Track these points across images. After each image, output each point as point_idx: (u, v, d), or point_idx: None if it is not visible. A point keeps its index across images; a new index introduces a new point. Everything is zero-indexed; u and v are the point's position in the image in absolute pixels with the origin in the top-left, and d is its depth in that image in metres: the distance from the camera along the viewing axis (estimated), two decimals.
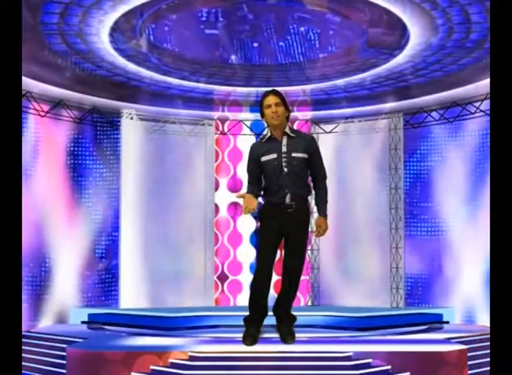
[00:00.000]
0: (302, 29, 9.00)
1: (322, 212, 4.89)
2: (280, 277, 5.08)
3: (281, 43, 9.31)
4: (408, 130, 11.48)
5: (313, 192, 4.99)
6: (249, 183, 4.95)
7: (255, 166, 4.90)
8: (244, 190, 4.89)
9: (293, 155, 4.79)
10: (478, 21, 7.77)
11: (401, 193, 11.38)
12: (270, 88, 4.98)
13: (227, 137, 12.53)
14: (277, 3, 8.62)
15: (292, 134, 4.87)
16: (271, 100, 4.84)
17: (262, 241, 4.93)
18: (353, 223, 11.73)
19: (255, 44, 9.54)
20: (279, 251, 5.02)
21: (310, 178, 5.04)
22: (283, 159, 4.78)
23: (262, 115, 4.90)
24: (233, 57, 9.60)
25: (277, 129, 4.86)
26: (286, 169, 4.74)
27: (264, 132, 4.99)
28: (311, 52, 9.53)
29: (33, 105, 10.35)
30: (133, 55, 9.19)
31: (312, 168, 4.95)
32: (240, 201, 4.78)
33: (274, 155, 4.81)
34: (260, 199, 4.86)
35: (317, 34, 9.21)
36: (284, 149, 4.80)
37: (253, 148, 5.00)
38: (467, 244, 10.62)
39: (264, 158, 4.83)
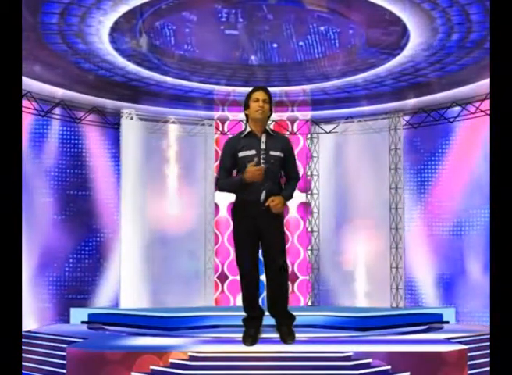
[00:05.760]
0: (322, 29, 9.05)
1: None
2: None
3: (301, 43, 9.33)
4: (423, 128, 11.43)
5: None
6: (221, 178, 4.88)
7: (230, 161, 4.89)
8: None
9: (271, 153, 4.81)
10: (478, 21, 7.77)
11: (401, 193, 11.36)
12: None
13: (227, 137, 12.53)
14: (277, 3, 8.63)
15: (271, 133, 4.90)
16: (260, 95, 4.85)
17: (239, 241, 4.87)
18: (353, 223, 11.73)
19: (275, 45, 9.57)
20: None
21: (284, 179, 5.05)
22: (262, 156, 4.79)
23: (246, 107, 4.92)
24: (253, 57, 9.62)
25: (258, 125, 4.86)
26: (263, 167, 4.75)
27: (242, 128, 5.01)
28: (313, 52, 9.53)
29: (33, 105, 10.35)
30: (133, 55, 9.19)
31: (286, 168, 4.97)
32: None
33: (253, 152, 4.80)
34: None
35: (317, 34, 9.21)
36: (263, 146, 4.81)
37: (229, 143, 4.97)
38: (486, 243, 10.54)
39: (241, 154, 4.82)
